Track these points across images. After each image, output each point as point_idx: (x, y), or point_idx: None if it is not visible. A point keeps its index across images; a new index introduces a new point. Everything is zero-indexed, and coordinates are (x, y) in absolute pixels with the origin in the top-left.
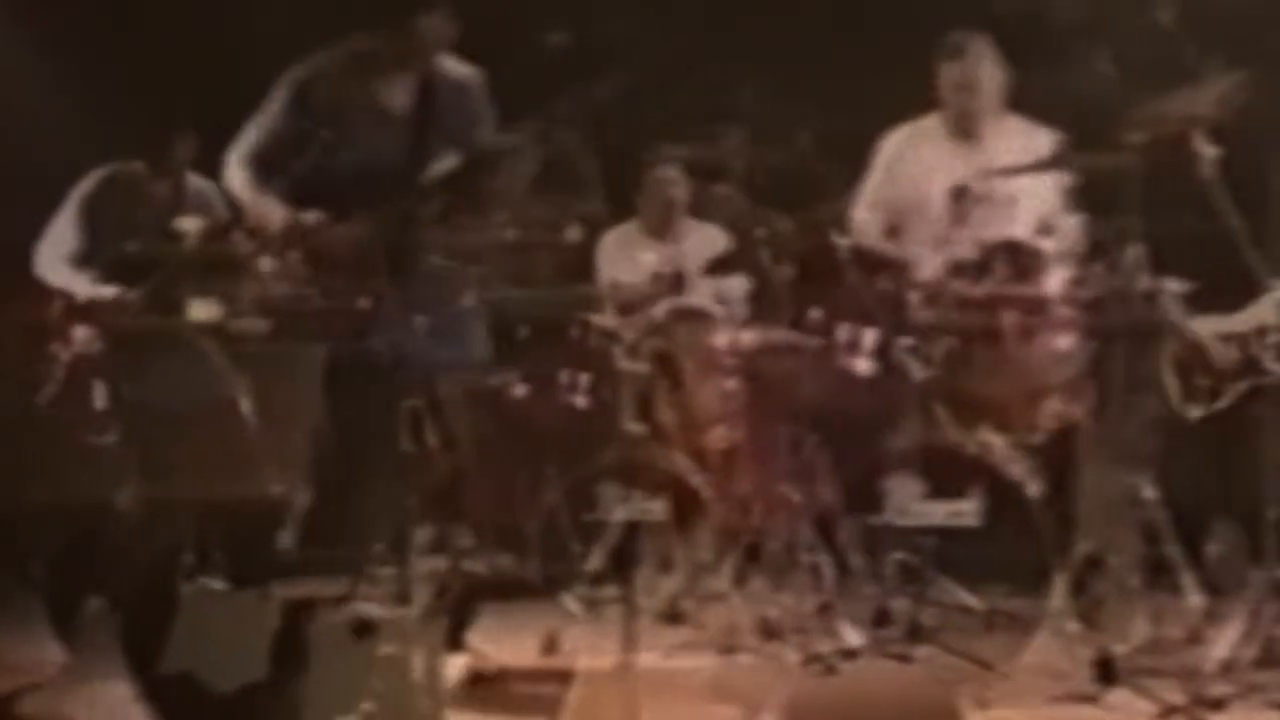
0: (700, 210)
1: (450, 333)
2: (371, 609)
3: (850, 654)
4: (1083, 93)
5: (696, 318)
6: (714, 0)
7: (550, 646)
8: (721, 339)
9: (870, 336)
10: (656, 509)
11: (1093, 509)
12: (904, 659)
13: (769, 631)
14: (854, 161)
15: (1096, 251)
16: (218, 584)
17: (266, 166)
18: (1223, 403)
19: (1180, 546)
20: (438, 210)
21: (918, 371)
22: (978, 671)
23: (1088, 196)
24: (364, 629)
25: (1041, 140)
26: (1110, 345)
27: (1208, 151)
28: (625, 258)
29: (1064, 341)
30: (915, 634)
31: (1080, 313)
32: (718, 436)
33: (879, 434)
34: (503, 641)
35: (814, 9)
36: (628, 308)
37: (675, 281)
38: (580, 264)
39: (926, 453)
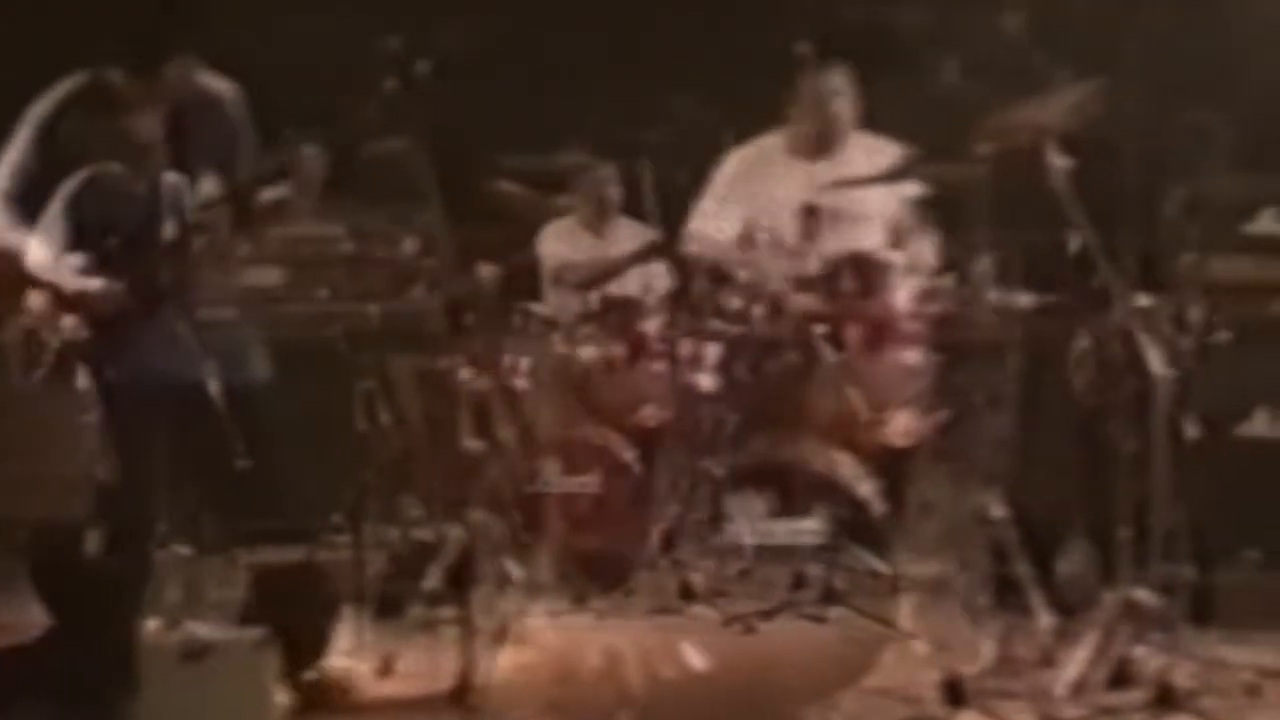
0: (542, 220)
1: (225, 356)
2: (204, 630)
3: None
4: (932, 103)
5: (627, 306)
6: (555, 12)
7: (386, 668)
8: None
9: (713, 351)
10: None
11: (941, 528)
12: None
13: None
14: (700, 173)
15: (946, 265)
16: (186, 550)
17: (21, 206)
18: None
19: (1030, 565)
20: (205, 242)
21: (761, 386)
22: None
23: (937, 209)
24: (195, 652)
25: (890, 154)
26: (960, 360)
27: (1059, 162)
28: (568, 247)
29: (912, 356)
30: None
31: (928, 327)
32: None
33: (722, 451)
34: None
35: (658, 20)
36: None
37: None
38: (418, 276)
39: (771, 470)
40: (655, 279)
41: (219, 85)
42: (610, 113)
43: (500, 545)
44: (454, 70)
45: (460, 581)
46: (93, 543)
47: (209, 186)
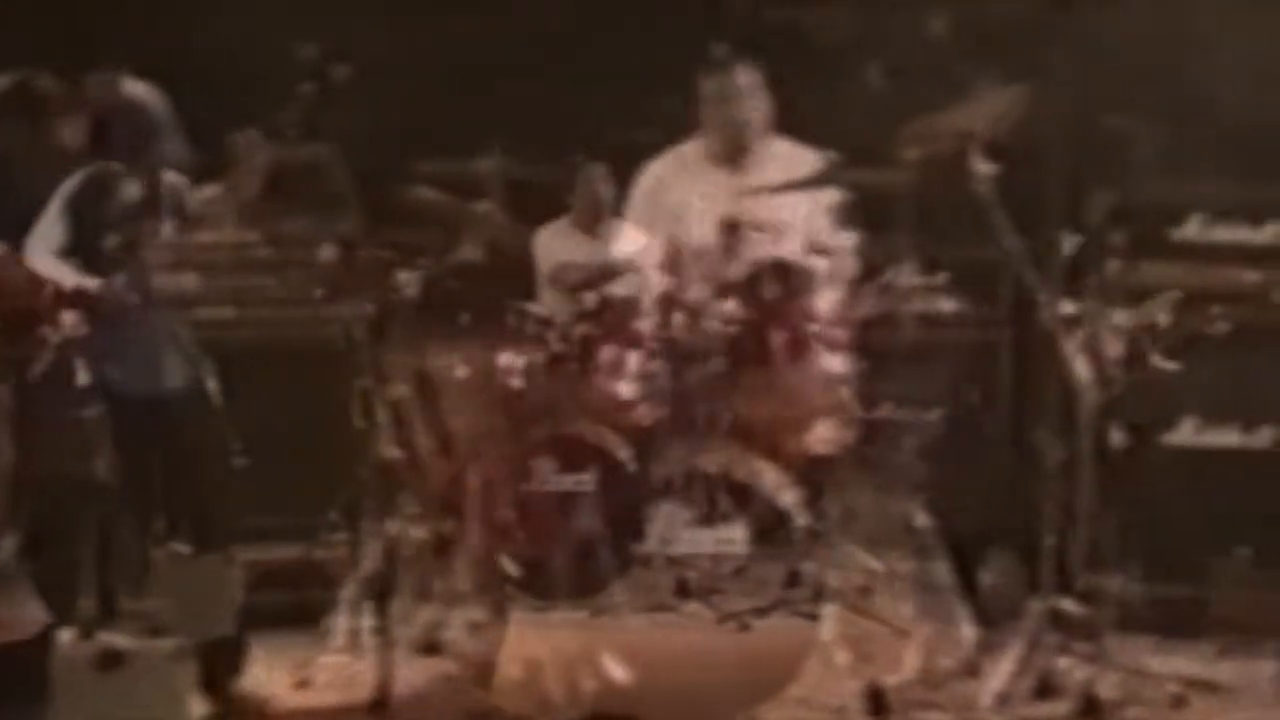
0: (459, 228)
1: (139, 361)
2: (119, 640)
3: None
4: (855, 107)
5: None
6: (472, 16)
7: (303, 679)
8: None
9: (634, 359)
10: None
11: (864, 537)
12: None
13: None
14: (620, 178)
15: (869, 271)
16: (184, 548)
17: None
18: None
19: (954, 575)
20: (123, 243)
21: (683, 394)
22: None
23: (860, 215)
24: (110, 660)
25: (809, 161)
26: (884, 368)
27: (983, 168)
28: (564, 249)
29: (834, 363)
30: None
31: (851, 333)
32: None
33: (644, 460)
34: (259, 674)
35: (575, 25)
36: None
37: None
38: (336, 282)
39: (694, 479)
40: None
41: (141, 91)
42: (529, 117)
43: (419, 555)
44: (372, 76)
45: (378, 592)
46: (7, 548)
47: (133, 190)
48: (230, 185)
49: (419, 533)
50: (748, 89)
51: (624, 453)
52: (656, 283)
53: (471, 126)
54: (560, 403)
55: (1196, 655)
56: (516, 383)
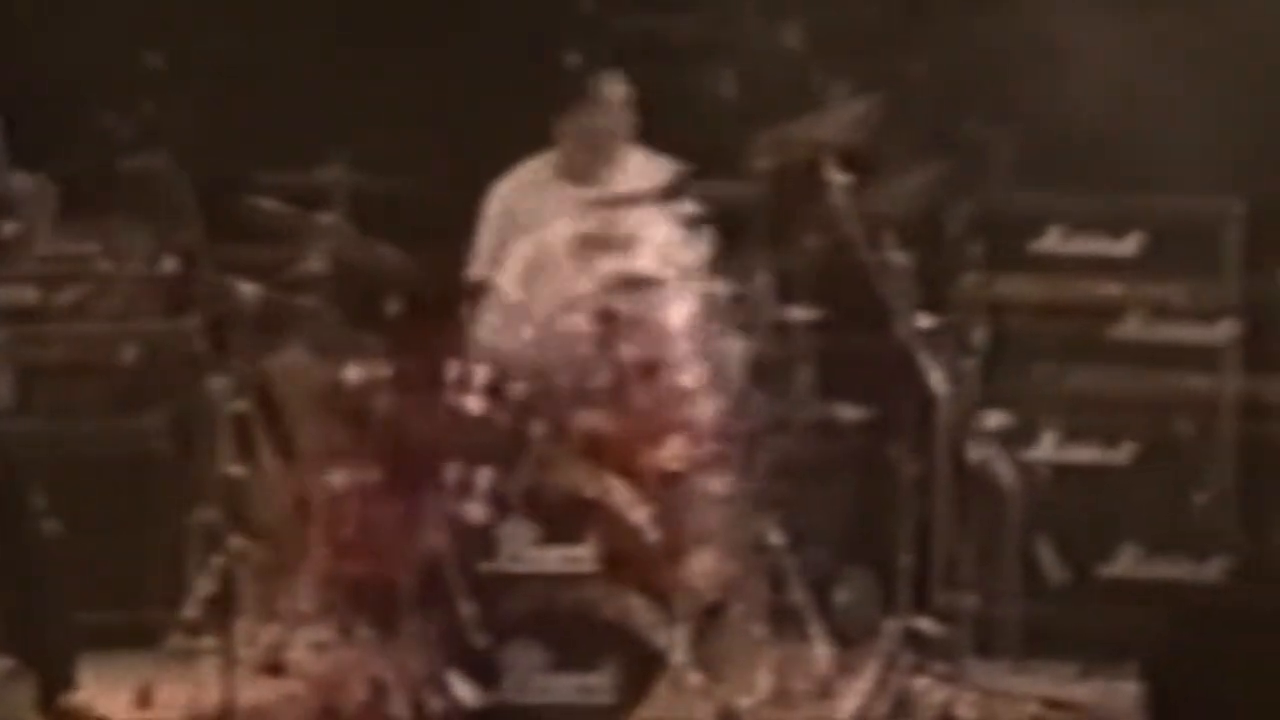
0: (302, 239)
1: None
2: None
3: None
4: (707, 117)
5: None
6: (320, 24)
7: (144, 699)
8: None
9: (481, 374)
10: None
11: (716, 555)
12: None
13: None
14: (473, 190)
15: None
16: None
17: None
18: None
19: (808, 594)
20: None
21: (533, 410)
22: None
23: (713, 226)
24: None
25: (664, 172)
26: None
27: (838, 178)
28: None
29: (687, 378)
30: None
31: (705, 348)
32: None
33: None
34: (99, 693)
35: (424, 32)
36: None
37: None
38: (177, 297)
39: (542, 496)
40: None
41: None
42: (376, 127)
43: (262, 573)
44: (213, 85)
45: (221, 611)
46: None
47: None
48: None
49: (262, 551)
50: (610, 101)
51: (473, 469)
52: (509, 297)
53: (316, 136)
54: (407, 418)
55: (1057, 676)
56: (362, 397)
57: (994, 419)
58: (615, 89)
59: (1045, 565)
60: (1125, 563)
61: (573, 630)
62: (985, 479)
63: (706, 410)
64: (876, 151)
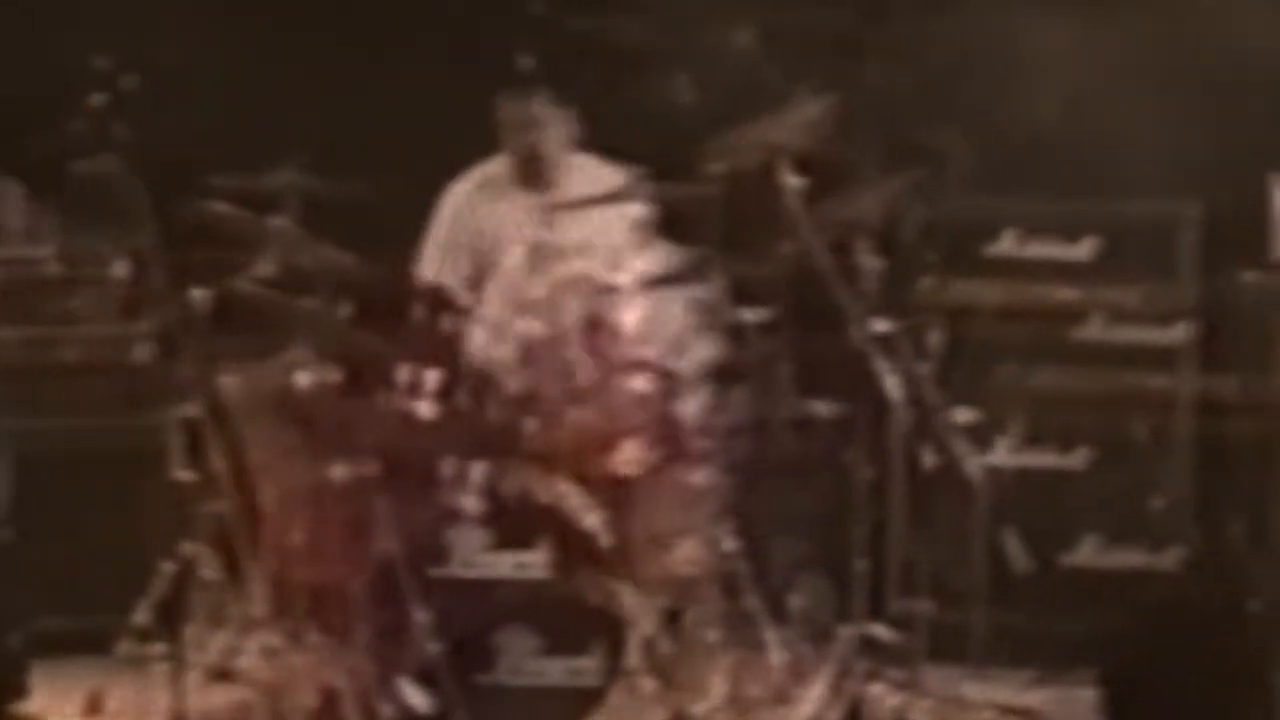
0: (253, 244)
1: None
2: None
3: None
4: (660, 120)
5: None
6: (273, 27)
7: (94, 706)
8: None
9: (433, 378)
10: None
11: (671, 560)
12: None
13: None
14: (426, 194)
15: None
16: None
17: None
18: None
19: (762, 600)
20: None
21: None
22: None
23: (667, 229)
24: None
25: (614, 178)
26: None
27: (792, 182)
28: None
29: (640, 382)
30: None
31: (658, 351)
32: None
33: (443, 481)
34: (48, 700)
35: (375, 36)
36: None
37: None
38: (129, 300)
39: (494, 501)
40: None
41: None
42: (328, 131)
43: (213, 579)
44: (165, 88)
45: (171, 617)
46: None
47: None
48: None
49: (213, 556)
50: (546, 115)
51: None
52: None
53: (268, 140)
54: (357, 423)
55: (1012, 682)
56: (312, 402)
57: (962, 415)
58: (547, 106)
59: (1010, 554)
60: (1086, 553)
61: (562, 616)
62: (945, 481)
63: (659, 413)
64: (832, 155)
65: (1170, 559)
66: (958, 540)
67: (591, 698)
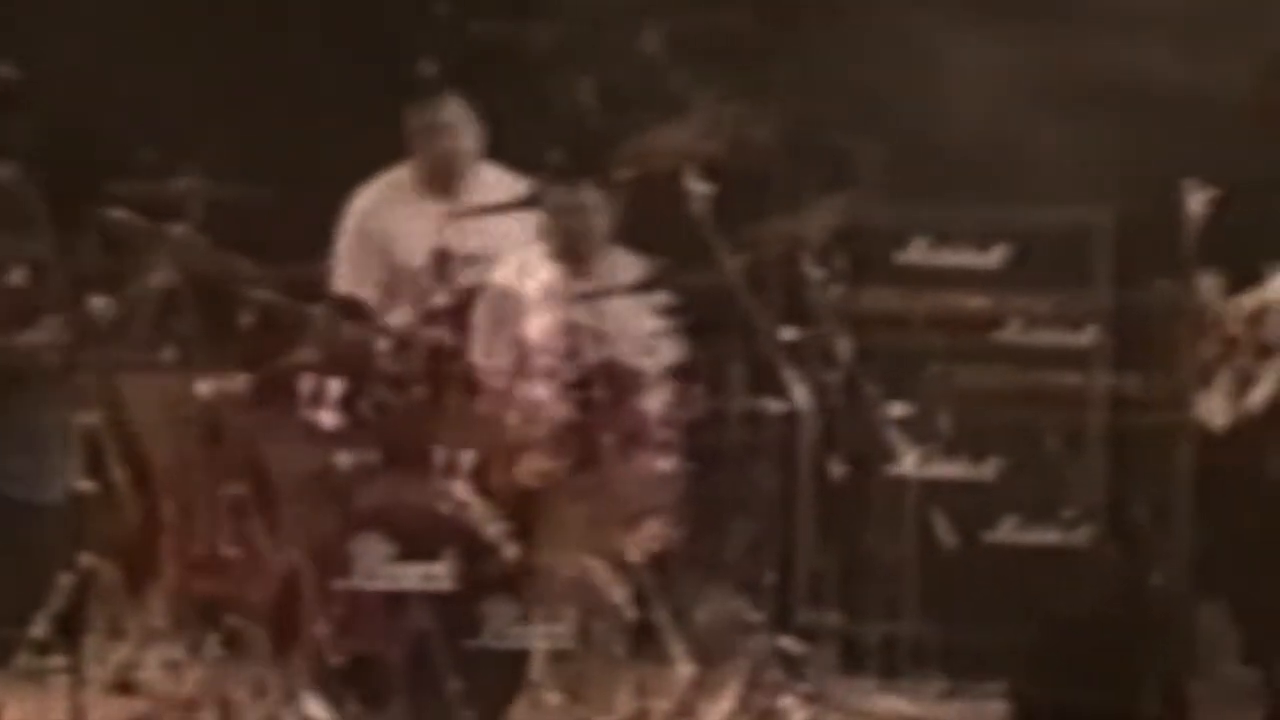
0: (154, 251)
1: None
2: None
3: None
4: (566, 126)
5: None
6: (175, 32)
7: None
8: None
9: (336, 387)
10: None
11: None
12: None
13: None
14: (330, 199)
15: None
16: None
17: None
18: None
19: (668, 612)
20: None
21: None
22: None
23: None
24: None
25: (520, 187)
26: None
27: (699, 188)
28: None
29: (544, 393)
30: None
31: (561, 360)
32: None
33: (346, 492)
34: None
35: (281, 38)
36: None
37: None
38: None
39: (397, 512)
40: None
41: None
42: (231, 136)
43: (112, 591)
44: (65, 94)
45: (70, 629)
46: None
47: None
48: None
49: (112, 568)
50: (457, 120)
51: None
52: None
53: (169, 146)
54: (261, 432)
55: (922, 695)
56: (215, 412)
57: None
58: (458, 113)
59: (938, 532)
60: (1005, 531)
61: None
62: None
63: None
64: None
65: (1082, 537)
66: (872, 547)
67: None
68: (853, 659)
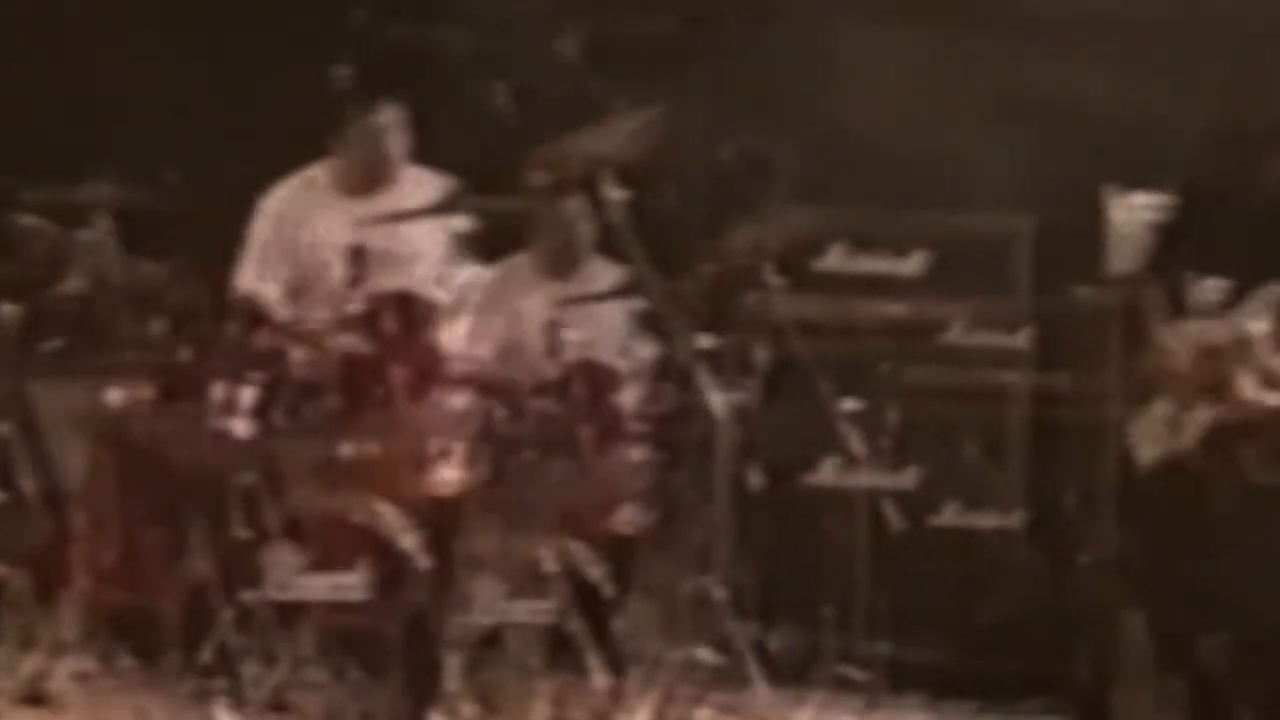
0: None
1: None
2: None
3: None
4: (482, 131)
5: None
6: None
7: None
8: None
9: (248, 395)
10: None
11: (490, 583)
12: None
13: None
14: (244, 204)
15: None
16: None
17: None
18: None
19: (586, 622)
20: None
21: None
22: None
23: (490, 243)
24: None
25: (438, 188)
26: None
27: (615, 194)
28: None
29: (458, 400)
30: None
31: (474, 369)
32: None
33: (258, 501)
34: None
35: (195, 42)
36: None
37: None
38: None
39: (310, 522)
40: None
41: None
42: (142, 142)
43: (22, 602)
44: None
45: None
46: None
47: None
48: None
49: (22, 579)
50: (390, 125)
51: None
52: (278, 313)
53: (80, 153)
54: (171, 442)
55: (841, 707)
56: (125, 420)
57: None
58: (386, 116)
59: (888, 516)
60: (949, 515)
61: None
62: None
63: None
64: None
65: (1015, 520)
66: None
67: None
68: (772, 670)
